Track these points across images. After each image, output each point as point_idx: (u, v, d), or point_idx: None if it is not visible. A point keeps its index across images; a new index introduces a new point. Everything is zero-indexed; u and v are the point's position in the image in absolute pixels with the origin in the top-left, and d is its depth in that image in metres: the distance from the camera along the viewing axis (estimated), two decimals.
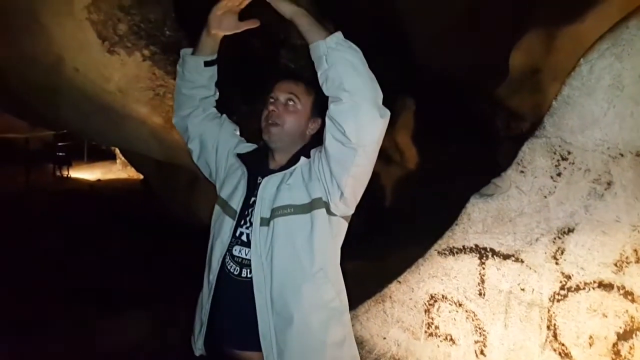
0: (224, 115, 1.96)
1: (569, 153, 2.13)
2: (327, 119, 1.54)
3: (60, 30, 3.37)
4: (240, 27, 1.75)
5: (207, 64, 1.82)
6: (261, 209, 1.66)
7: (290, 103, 1.73)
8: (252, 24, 1.76)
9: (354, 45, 1.50)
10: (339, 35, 1.50)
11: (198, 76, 1.84)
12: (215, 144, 1.88)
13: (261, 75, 3.79)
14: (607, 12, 4.05)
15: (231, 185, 1.80)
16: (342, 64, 1.47)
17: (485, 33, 5.16)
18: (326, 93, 1.52)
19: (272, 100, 1.75)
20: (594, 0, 4.18)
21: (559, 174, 2.15)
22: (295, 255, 1.62)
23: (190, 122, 1.89)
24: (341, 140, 1.51)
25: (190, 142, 1.92)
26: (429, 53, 6.03)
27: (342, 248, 1.75)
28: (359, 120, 1.47)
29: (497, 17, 5.02)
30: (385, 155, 6.52)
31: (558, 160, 2.15)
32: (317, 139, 1.76)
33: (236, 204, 1.73)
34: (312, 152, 1.71)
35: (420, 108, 6.22)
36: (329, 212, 1.64)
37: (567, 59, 4.36)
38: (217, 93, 1.94)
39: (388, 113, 1.50)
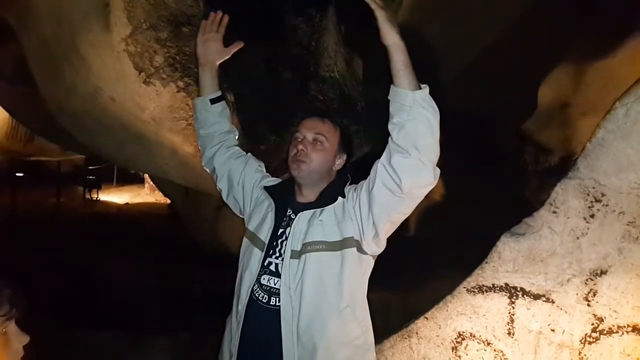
0: (249, 154, 2.03)
1: (603, 195, 2.11)
2: (381, 165, 1.57)
3: (98, 61, 3.45)
4: (229, 52, 1.84)
5: (213, 101, 1.93)
6: (292, 242, 1.69)
7: (318, 142, 1.76)
8: (237, 46, 1.85)
9: (435, 105, 1.51)
10: (426, 90, 1.51)
11: (208, 115, 1.94)
12: (241, 180, 1.93)
13: (289, 107, 3.83)
14: (637, 48, 4.03)
15: (258, 217, 1.84)
16: (422, 122, 1.48)
17: (512, 67, 5.15)
18: (395, 141, 1.52)
19: (299, 138, 1.78)
20: (624, 36, 4.15)
21: (592, 216, 2.13)
22: (323, 291, 1.65)
23: (216, 162, 1.97)
24: (392, 189, 1.54)
25: (219, 182, 1.99)
26: (455, 85, 6.04)
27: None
28: (419, 177, 1.51)
29: (525, 51, 5.01)
30: None
31: (592, 202, 2.12)
32: (343, 174, 1.81)
33: (264, 235, 1.77)
34: (346, 190, 1.74)
35: (445, 139, 6.20)
36: (360, 250, 1.67)
37: (597, 94, 4.35)
38: (237, 132, 2.03)
39: (439, 173, 1.54)
